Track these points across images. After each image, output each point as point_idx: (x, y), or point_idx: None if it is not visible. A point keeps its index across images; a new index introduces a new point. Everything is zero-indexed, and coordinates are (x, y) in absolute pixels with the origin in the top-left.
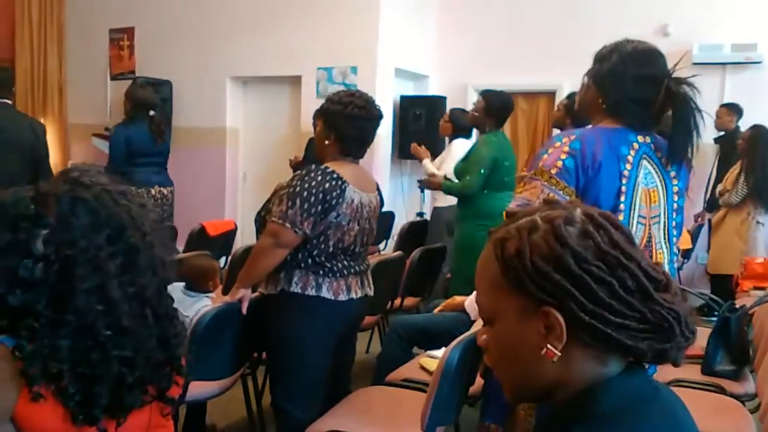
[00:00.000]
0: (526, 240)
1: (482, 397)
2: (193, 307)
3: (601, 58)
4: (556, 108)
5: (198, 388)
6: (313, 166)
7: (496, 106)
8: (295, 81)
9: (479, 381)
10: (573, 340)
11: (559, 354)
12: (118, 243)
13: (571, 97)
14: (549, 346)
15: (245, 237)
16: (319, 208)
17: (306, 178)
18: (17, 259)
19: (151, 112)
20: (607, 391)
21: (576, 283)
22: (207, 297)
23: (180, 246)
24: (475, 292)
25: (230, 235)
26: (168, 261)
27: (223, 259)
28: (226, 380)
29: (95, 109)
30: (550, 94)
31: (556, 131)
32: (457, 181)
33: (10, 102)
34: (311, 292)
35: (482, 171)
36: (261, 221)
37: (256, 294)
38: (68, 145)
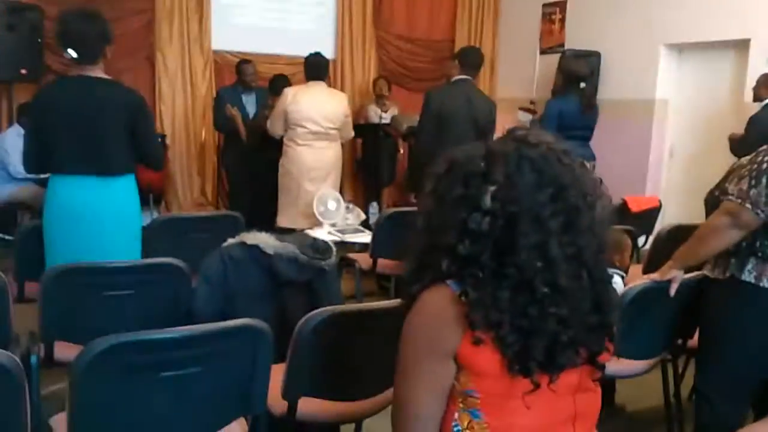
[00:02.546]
0: None
1: None
2: None
3: None
4: None
5: (614, 365)
6: None
7: None
8: (742, 45)
9: None
10: None
11: None
12: (560, 202)
13: None
14: None
15: (668, 215)
16: None
17: None
18: (467, 212)
19: (582, 85)
20: None
21: None
22: (616, 273)
23: None
24: None
25: (653, 212)
26: (607, 225)
27: (642, 238)
28: (643, 362)
29: (523, 83)
30: None
31: None
32: None
33: (470, 78)
34: (767, 284)
35: None
36: (714, 201)
37: (691, 275)
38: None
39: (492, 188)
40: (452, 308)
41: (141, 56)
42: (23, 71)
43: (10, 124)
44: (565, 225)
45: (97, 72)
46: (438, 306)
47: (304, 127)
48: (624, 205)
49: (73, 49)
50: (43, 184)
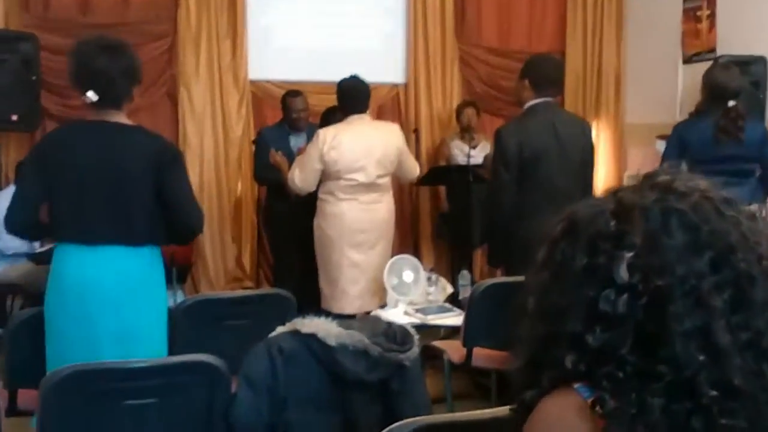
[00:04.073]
0: None
1: None
2: None
3: None
4: None
5: None
6: None
7: None
8: None
9: None
10: None
11: None
12: (726, 270)
13: None
14: None
15: None
16: None
17: None
18: (596, 289)
19: (731, 103)
20: None
21: None
22: None
23: None
24: None
25: None
26: None
27: None
28: None
29: (661, 105)
30: None
31: None
32: None
33: (550, 99)
34: None
35: None
36: None
37: None
38: (624, 150)
39: (628, 255)
40: (583, 424)
41: (160, 91)
42: (14, 117)
43: None
44: (734, 301)
45: (121, 117)
46: (563, 421)
47: (349, 179)
48: None
49: (94, 90)
50: (39, 261)
